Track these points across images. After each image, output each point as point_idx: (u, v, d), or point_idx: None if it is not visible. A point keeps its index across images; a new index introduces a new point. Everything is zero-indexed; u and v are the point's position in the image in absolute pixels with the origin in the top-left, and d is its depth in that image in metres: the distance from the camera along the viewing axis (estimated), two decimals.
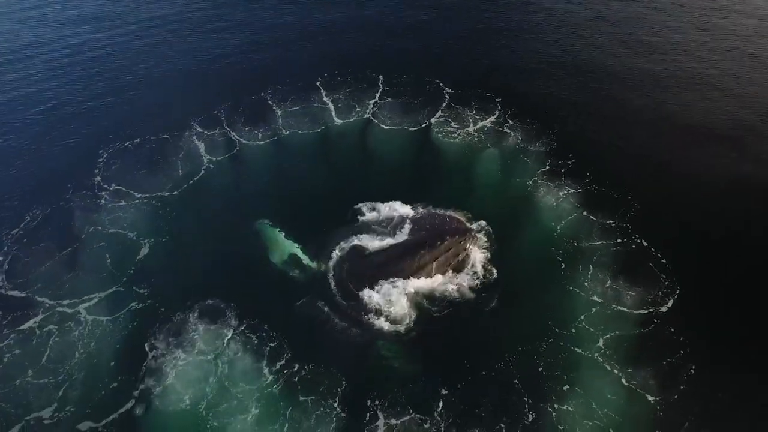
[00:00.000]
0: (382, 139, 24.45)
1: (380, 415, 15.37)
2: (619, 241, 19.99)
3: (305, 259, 19.44)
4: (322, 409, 15.46)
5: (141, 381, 15.98)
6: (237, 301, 17.96)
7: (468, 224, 20.15)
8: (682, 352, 16.63)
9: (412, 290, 18.29)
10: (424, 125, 25.20)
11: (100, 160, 23.74)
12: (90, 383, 15.98)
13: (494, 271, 18.94)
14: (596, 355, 16.65)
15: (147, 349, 16.77)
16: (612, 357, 16.58)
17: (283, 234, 20.14)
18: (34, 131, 25.68)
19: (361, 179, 22.54)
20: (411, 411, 15.47)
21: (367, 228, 20.45)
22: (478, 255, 19.35)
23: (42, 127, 25.96)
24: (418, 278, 18.53)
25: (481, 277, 18.80)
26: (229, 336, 17.06)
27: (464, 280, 18.67)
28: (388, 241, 19.67)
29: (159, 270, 19.06)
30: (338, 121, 25.39)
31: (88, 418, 15.26)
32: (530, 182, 22.31)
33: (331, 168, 23.18)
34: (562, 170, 22.87)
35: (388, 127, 24.96)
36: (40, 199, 21.71)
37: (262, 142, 24.46)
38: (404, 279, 18.38)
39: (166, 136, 25.09)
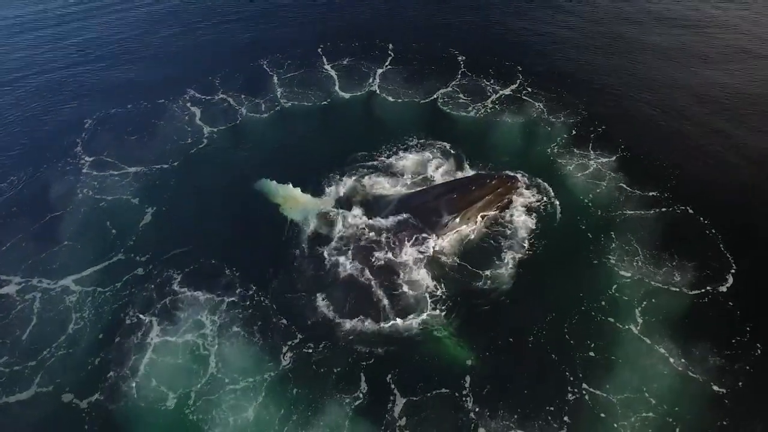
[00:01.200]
0: (391, 110, 22.14)
1: (398, 391, 13.02)
2: (660, 210, 17.38)
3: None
4: (340, 385, 13.24)
5: (129, 356, 13.97)
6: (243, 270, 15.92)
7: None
8: (738, 336, 13.90)
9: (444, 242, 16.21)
10: (437, 95, 22.85)
11: (88, 126, 21.96)
12: (75, 358, 13.99)
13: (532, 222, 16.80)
14: (637, 330, 14.12)
15: (137, 321, 14.73)
16: (657, 336, 13.96)
17: (290, 184, 18.00)
18: (20, 98, 24.20)
19: (370, 150, 20.04)
20: (436, 385, 13.12)
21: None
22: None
23: (29, 96, 24.37)
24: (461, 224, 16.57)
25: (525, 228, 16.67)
26: (232, 306, 14.96)
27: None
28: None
29: (155, 242, 16.91)
30: (343, 93, 23.14)
31: (71, 395, 13.25)
32: (556, 151, 19.84)
33: (335, 140, 20.81)
34: (591, 138, 20.35)
35: (397, 99, 22.65)
36: (23, 168, 19.93)
37: (262, 115, 22.20)
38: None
39: (161, 100, 23.26)
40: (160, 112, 22.56)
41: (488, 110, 21.95)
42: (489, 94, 22.91)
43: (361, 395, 13.03)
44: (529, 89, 23.11)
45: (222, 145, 20.80)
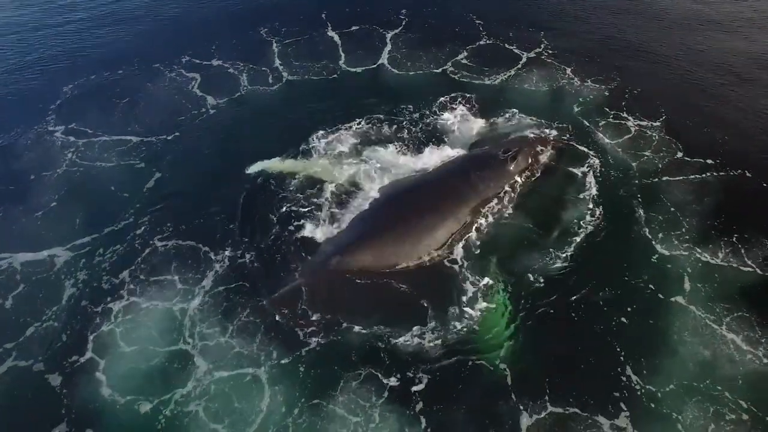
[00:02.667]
0: (404, 82, 20.02)
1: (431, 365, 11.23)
2: (712, 175, 15.50)
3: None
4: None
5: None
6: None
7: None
8: None
9: None
10: (453, 62, 20.86)
11: (79, 92, 20.18)
12: (58, 330, 12.35)
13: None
14: (690, 306, 12.26)
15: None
16: (716, 314, 12.10)
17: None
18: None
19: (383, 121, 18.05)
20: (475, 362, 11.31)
21: None
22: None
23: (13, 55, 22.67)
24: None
25: None
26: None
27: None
28: None
29: (152, 214, 15.04)
30: (349, 63, 21.05)
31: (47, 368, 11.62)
32: (591, 116, 17.92)
33: (341, 113, 18.65)
34: (628, 101, 18.45)
35: (409, 70, 20.54)
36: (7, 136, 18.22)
37: (265, 88, 20.09)
38: None
39: (157, 65, 21.37)
40: (155, 80, 20.62)
41: (512, 76, 20.02)
42: (513, 58, 20.96)
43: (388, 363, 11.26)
44: (555, 53, 21.17)
45: (222, 118, 18.77)
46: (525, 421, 10.49)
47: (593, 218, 14.26)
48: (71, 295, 13.07)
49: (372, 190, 15.03)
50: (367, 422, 10.50)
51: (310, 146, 16.92)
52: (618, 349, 11.54)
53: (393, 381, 11.12)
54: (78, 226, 14.79)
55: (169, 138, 17.79)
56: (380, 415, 10.60)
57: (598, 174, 15.56)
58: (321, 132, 17.43)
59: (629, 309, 12.26)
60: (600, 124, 17.53)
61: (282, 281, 12.90)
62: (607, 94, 18.86)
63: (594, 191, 15.03)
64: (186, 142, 17.65)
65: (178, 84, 20.38)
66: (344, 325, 12.08)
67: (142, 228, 14.63)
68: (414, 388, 10.98)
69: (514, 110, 18.13)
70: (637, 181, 15.36)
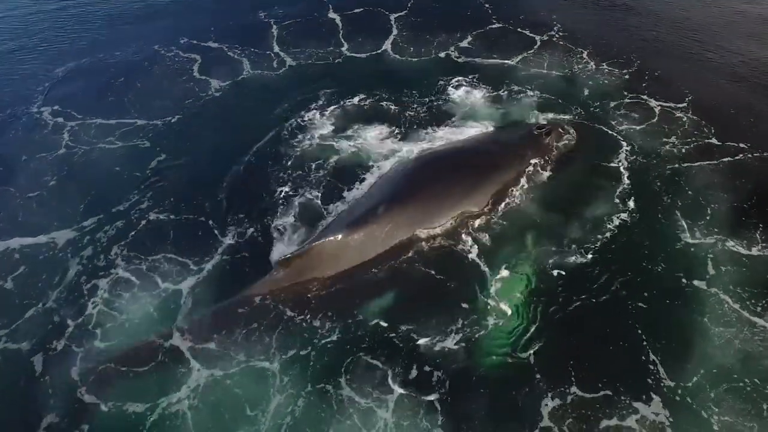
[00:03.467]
0: (408, 67, 18.96)
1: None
2: (746, 158, 14.57)
3: None
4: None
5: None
6: None
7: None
8: None
9: None
10: (460, 47, 19.85)
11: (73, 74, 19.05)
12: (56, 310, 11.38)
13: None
14: (720, 295, 11.27)
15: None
16: (748, 304, 11.10)
17: None
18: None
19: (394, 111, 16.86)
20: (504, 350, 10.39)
21: None
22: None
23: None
24: None
25: None
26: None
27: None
28: None
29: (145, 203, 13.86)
30: (352, 48, 20.00)
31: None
32: (610, 101, 16.89)
33: (350, 94, 17.59)
34: (650, 84, 17.48)
35: (412, 57, 19.43)
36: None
37: (267, 71, 19.01)
38: None
39: (156, 46, 20.35)
40: (155, 63, 19.56)
41: (524, 60, 19.03)
42: (525, 42, 19.98)
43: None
44: (570, 36, 20.18)
45: (227, 101, 17.69)
46: (547, 406, 9.62)
47: (619, 204, 13.27)
48: (70, 275, 12.12)
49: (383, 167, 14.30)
50: (380, 407, 9.62)
51: (315, 126, 16.03)
52: (644, 337, 10.57)
53: (407, 363, 10.23)
54: (77, 208, 13.79)
55: (173, 120, 16.72)
56: (396, 399, 9.72)
57: (624, 158, 14.57)
58: (328, 111, 16.63)
59: (656, 296, 11.28)
60: (621, 107, 16.56)
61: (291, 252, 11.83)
62: (627, 77, 17.88)
63: (620, 176, 14.05)
64: (190, 125, 16.61)
65: (179, 67, 19.30)
66: (356, 301, 11.15)
67: (146, 208, 13.64)
68: (431, 370, 10.13)
69: (529, 94, 17.14)
70: (665, 165, 14.38)
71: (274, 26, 21.28)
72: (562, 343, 10.57)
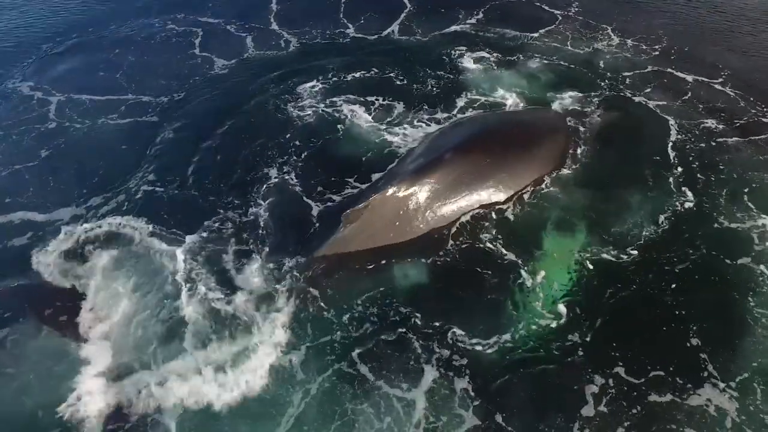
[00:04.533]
0: (420, 47, 17.64)
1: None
2: None
3: None
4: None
5: None
6: None
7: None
8: None
9: None
10: (479, 22, 18.66)
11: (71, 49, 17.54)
12: None
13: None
14: None
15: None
16: None
17: None
18: None
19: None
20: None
21: None
22: None
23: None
24: None
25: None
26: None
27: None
28: None
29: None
30: (358, 33, 18.58)
31: None
32: (640, 78, 15.80)
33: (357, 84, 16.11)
34: (682, 62, 16.39)
35: (421, 38, 18.16)
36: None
37: (274, 52, 17.60)
38: None
39: (154, 21, 18.93)
40: (156, 40, 18.20)
41: (546, 35, 17.89)
42: (546, 17, 18.82)
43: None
44: (592, 12, 19.05)
45: (232, 80, 16.33)
46: (591, 392, 8.74)
47: (664, 184, 12.24)
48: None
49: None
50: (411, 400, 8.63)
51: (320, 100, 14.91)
52: (691, 324, 9.63)
53: (441, 351, 9.30)
54: (80, 184, 12.68)
55: (178, 97, 15.49)
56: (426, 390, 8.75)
57: (664, 134, 13.55)
58: (335, 84, 15.53)
59: (698, 280, 10.35)
60: (653, 82, 15.53)
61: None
62: (656, 53, 16.85)
63: (662, 153, 13.04)
64: (195, 102, 15.35)
65: (179, 44, 17.95)
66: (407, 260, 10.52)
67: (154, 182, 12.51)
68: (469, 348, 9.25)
69: (551, 70, 16.04)
70: (708, 141, 13.39)
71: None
72: (609, 330, 9.55)
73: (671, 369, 8.99)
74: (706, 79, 15.51)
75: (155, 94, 15.51)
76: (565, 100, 14.81)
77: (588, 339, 9.39)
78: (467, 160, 11.56)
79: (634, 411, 8.48)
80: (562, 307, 9.79)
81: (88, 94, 15.50)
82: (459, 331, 9.50)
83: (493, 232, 11.02)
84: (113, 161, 13.25)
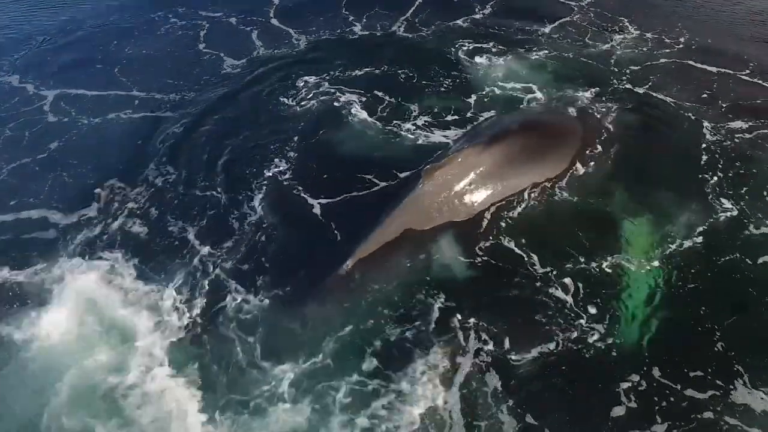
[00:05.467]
0: (428, 42, 16.82)
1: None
2: None
3: None
4: None
5: None
6: None
7: None
8: None
9: None
10: (485, 14, 17.91)
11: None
12: None
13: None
14: None
15: None
16: None
17: None
18: None
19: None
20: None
21: None
22: None
23: None
24: None
25: None
26: None
27: None
28: None
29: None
30: (368, 26, 17.71)
31: None
32: (662, 72, 15.03)
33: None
34: (706, 55, 15.61)
35: (429, 32, 17.29)
36: None
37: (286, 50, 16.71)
38: None
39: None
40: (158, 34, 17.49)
41: (559, 29, 17.15)
42: (560, 7, 18.09)
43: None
44: (608, 4, 18.29)
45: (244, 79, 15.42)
46: (625, 392, 8.20)
47: (691, 184, 11.48)
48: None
49: None
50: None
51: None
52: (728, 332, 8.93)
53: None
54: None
55: (179, 93, 14.82)
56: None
57: (694, 131, 12.77)
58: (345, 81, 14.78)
59: (736, 288, 9.66)
60: (675, 76, 14.76)
61: None
62: (679, 46, 16.07)
63: (696, 150, 12.27)
64: (195, 96, 14.69)
65: (179, 38, 17.24)
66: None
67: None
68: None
69: (567, 64, 15.30)
70: (743, 137, 12.60)
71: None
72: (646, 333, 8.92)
73: (709, 371, 8.39)
74: (731, 71, 14.76)
75: (156, 89, 14.86)
76: (584, 96, 14.01)
77: (622, 341, 8.80)
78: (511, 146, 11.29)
79: (671, 412, 7.94)
80: (592, 309, 9.15)
81: (83, 89, 14.83)
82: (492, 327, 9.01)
83: (523, 235, 10.38)
84: (113, 157, 12.63)
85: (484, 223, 10.48)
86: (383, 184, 11.54)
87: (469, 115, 13.47)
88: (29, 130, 13.49)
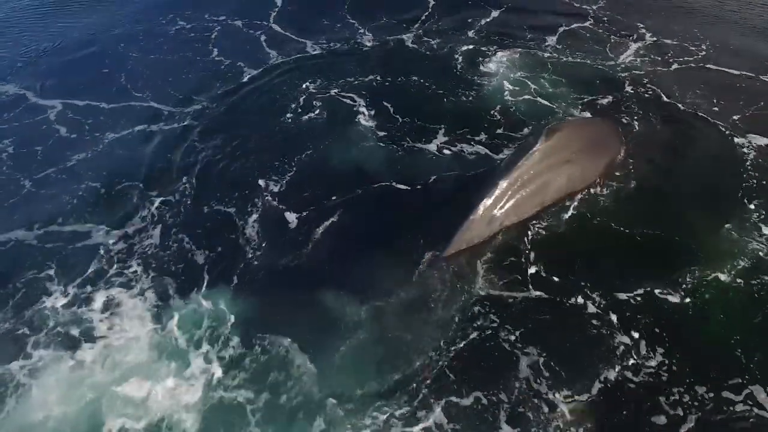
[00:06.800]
0: (438, 51, 16.19)
1: None
2: None
3: None
4: None
5: None
6: None
7: None
8: None
9: None
10: (493, 21, 17.48)
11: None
12: None
13: None
14: None
15: None
16: None
17: None
18: None
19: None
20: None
21: None
22: None
23: None
24: None
25: None
26: None
27: None
28: None
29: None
30: (370, 42, 16.94)
31: None
32: (680, 78, 14.59)
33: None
34: (729, 59, 15.17)
35: (440, 41, 16.82)
36: None
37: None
38: None
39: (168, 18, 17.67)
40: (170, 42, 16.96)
41: (577, 31, 16.70)
42: (571, 12, 17.66)
43: None
44: (622, 10, 17.83)
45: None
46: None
47: (724, 201, 11.04)
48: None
49: None
50: None
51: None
52: None
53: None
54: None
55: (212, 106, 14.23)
56: None
57: (717, 140, 12.37)
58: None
59: None
60: (699, 83, 14.29)
61: None
62: (702, 52, 15.59)
63: (722, 161, 11.90)
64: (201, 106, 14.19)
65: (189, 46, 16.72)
66: None
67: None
68: None
69: (582, 72, 14.86)
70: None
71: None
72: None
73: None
74: (754, 74, 14.38)
75: (160, 98, 14.37)
76: (605, 106, 13.63)
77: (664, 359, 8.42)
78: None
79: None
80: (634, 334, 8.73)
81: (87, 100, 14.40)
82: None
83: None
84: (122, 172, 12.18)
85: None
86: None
87: (489, 127, 12.99)
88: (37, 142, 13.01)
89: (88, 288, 9.65)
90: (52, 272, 9.92)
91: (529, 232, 10.29)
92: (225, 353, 8.56)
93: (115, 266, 10.00)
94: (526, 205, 10.39)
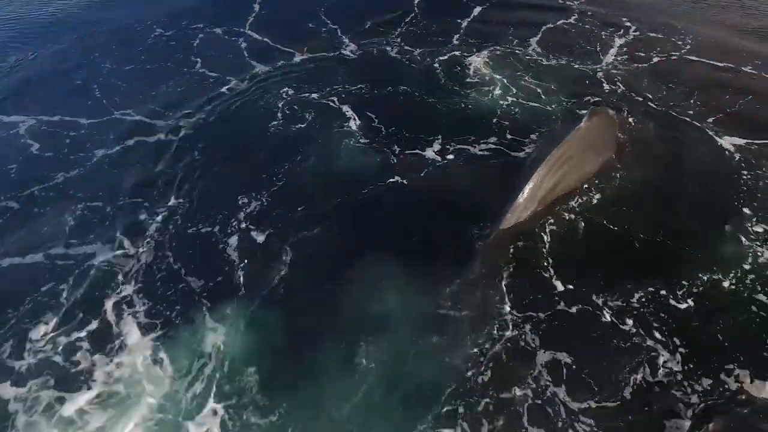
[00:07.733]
0: (422, 57, 15.69)
1: None
2: None
3: None
4: None
5: None
6: None
7: None
8: None
9: None
10: (476, 18, 17.28)
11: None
12: None
13: None
14: None
15: None
16: None
17: None
18: None
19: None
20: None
21: None
22: None
23: None
24: None
25: None
26: None
27: None
28: None
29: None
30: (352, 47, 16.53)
31: None
32: (675, 81, 14.35)
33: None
34: (721, 56, 15.17)
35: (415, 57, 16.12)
36: None
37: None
38: None
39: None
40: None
41: (561, 28, 16.60)
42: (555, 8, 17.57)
43: None
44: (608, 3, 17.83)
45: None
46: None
47: (720, 204, 10.79)
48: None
49: None
50: None
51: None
52: None
53: None
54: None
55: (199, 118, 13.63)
56: None
57: (709, 142, 12.24)
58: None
59: None
60: (686, 84, 14.17)
61: None
62: (687, 47, 15.59)
63: (715, 161, 11.66)
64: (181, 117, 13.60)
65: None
66: None
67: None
68: None
69: (567, 72, 14.67)
70: None
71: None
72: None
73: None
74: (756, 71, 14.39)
75: (142, 111, 13.77)
76: (594, 101, 13.50)
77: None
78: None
79: None
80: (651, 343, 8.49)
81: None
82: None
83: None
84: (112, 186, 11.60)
85: None
86: None
87: (482, 133, 12.58)
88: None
89: (77, 312, 9.07)
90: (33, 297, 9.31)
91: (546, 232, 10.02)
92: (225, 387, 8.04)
93: (103, 289, 9.42)
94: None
